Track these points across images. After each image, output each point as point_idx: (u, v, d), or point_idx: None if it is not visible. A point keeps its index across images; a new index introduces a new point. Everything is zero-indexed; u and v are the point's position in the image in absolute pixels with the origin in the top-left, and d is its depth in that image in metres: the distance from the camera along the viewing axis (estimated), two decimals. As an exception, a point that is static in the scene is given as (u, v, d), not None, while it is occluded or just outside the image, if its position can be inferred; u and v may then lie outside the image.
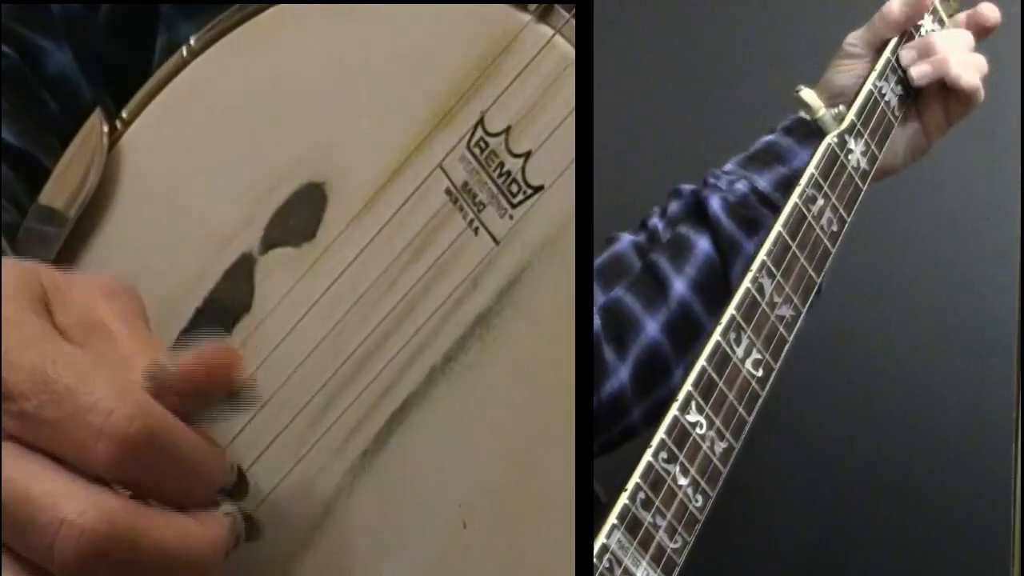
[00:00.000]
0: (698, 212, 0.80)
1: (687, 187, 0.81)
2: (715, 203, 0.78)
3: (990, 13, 0.80)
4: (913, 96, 0.79)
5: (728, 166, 0.81)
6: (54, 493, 0.44)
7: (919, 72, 0.77)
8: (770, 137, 0.81)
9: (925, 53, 0.77)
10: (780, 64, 1.15)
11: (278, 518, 0.55)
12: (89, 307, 0.49)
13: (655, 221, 0.82)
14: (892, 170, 0.81)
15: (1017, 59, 1.08)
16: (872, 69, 0.76)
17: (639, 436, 0.79)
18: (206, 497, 0.48)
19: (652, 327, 0.77)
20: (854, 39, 0.79)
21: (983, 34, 0.80)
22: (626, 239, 0.82)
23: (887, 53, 0.77)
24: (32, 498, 0.44)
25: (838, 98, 0.76)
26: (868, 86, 0.75)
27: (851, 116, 0.74)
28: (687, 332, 0.77)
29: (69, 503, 0.43)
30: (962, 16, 0.81)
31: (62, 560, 0.43)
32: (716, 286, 0.78)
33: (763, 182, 0.79)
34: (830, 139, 0.72)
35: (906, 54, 0.78)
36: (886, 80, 0.77)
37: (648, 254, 0.80)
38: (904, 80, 0.78)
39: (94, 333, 0.48)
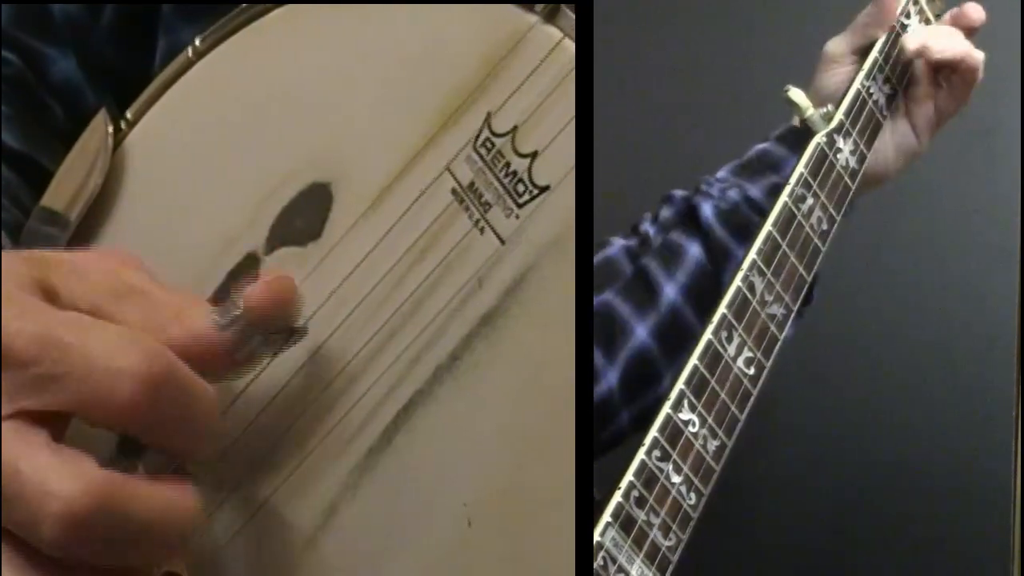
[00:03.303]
0: (690, 218, 0.79)
1: (679, 193, 0.81)
2: (707, 210, 0.78)
3: (974, 13, 0.80)
4: (902, 95, 0.79)
5: (721, 173, 0.80)
6: (42, 468, 0.44)
7: (941, 46, 0.76)
8: (763, 145, 0.81)
9: (938, 34, 0.77)
10: (780, 66, 1.14)
11: (283, 516, 0.55)
12: (112, 276, 0.50)
13: (647, 226, 0.81)
14: (884, 175, 0.81)
15: (1017, 59, 1.09)
16: (858, 70, 0.76)
17: (628, 441, 0.78)
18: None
19: (642, 332, 0.77)
20: (835, 44, 0.79)
21: (968, 35, 0.80)
22: (617, 244, 0.81)
23: (875, 52, 0.77)
24: (20, 472, 0.44)
25: (825, 103, 0.76)
26: (856, 85, 0.76)
27: (839, 115, 0.74)
28: (677, 338, 0.77)
29: (53, 476, 0.44)
30: (947, 17, 0.81)
31: (48, 533, 0.44)
32: (707, 292, 0.77)
33: (755, 190, 0.78)
34: (819, 138, 0.73)
35: (913, 38, 0.77)
36: (874, 79, 0.77)
37: (639, 259, 0.80)
38: (892, 79, 0.78)
39: (126, 297, 0.49)
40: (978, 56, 0.77)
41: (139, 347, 0.44)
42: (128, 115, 0.63)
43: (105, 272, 0.49)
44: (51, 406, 0.44)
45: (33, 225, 0.64)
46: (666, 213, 0.81)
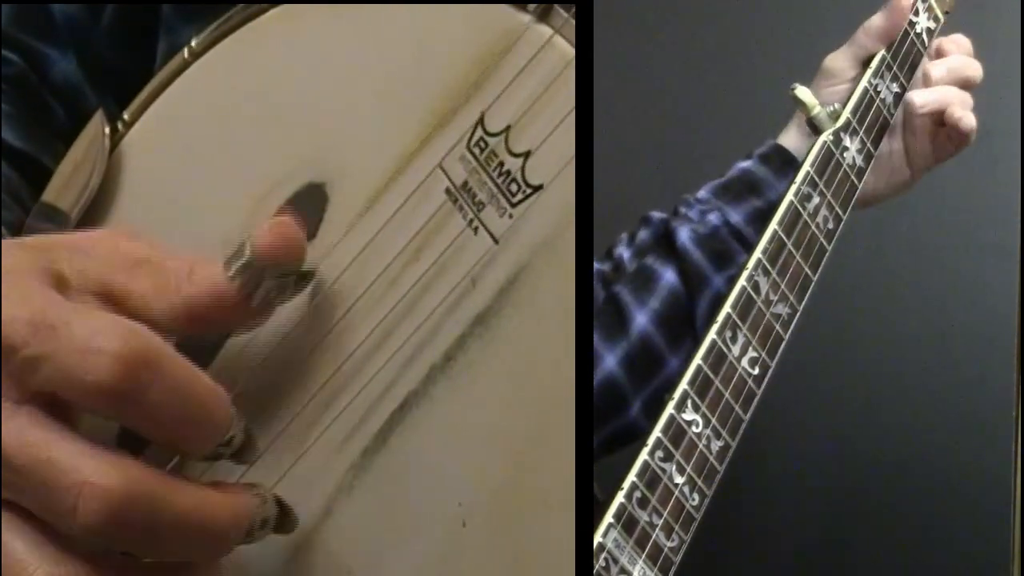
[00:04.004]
0: (666, 242, 0.78)
1: (657, 215, 0.80)
2: (684, 234, 0.77)
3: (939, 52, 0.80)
4: (905, 127, 0.79)
5: (701, 193, 0.79)
6: (76, 456, 0.45)
7: (922, 100, 0.77)
8: (746, 164, 0.79)
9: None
10: (780, 63, 1.15)
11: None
12: (116, 250, 0.50)
13: (621, 250, 0.80)
14: (869, 199, 0.80)
15: (1017, 59, 1.08)
16: (866, 69, 0.76)
17: (597, 460, 0.78)
18: (208, 443, 0.48)
19: (610, 360, 0.76)
20: (835, 59, 0.78)
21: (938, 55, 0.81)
22: None
23: (882, 51, 0.77)
24: (54, 461, 0.44)
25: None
26: (863, 83, 0.75)
27: (847, 114, 0.74)
28: (646, 365, 0.76)
29: (91, 465, 0.44)
30: (931, 46, 0.81)
31: (84, 521, 0.44)
32: (680, 319, 0.76)
33: (736, 216, 0.77)
34: (825, 137, 0.72)
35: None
36: (881, 78, 0.77)
37: (612, 285, 0.79)
38: (900, 77, 0.78)
39: (134, 268, 0.49)
40: (967, 122, 0.77)
41: (120, 329, 0.45)
42: (125, 116, 0.64)
43: (109, 248, 0.50)
44: (39, 386, 0.45)
45: (33, 222, 0.64)
46: (643, 236, 0.80)
